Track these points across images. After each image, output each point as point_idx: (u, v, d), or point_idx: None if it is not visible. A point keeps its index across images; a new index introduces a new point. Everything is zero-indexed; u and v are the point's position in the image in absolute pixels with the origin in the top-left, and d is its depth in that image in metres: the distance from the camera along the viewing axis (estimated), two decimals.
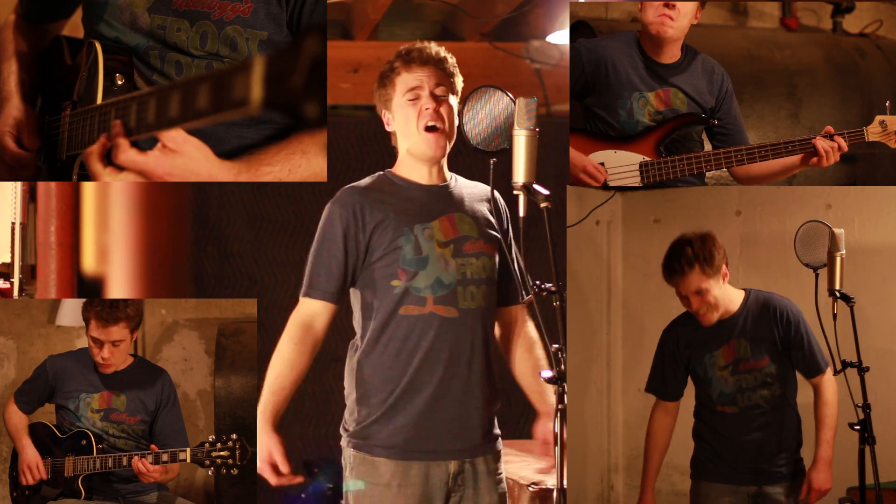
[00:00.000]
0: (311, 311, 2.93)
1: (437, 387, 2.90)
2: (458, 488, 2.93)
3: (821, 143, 3.63)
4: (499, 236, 3.01)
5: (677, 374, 3.81)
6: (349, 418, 2.98)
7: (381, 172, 3.02)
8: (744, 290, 3.75)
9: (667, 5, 3.69)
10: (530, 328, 3.07)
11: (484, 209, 3.01)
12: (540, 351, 3.05)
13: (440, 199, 2.97)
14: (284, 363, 2.90)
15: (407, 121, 2.92)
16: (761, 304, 3.71)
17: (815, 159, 3.66)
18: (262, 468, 2.89)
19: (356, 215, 2.91)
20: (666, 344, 3.84)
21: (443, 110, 2.92)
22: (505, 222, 3.06)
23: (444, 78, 2.94)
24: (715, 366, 3.72)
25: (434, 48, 2.96)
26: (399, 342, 2.91)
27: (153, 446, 3.86)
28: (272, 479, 2.89)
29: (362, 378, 2.95)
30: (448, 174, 3.02)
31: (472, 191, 3.04)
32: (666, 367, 3.82)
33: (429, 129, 2.91)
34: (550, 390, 2.96)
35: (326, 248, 2.93)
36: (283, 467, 2.88)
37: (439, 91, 2.92)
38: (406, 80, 2.92)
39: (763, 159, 3.70)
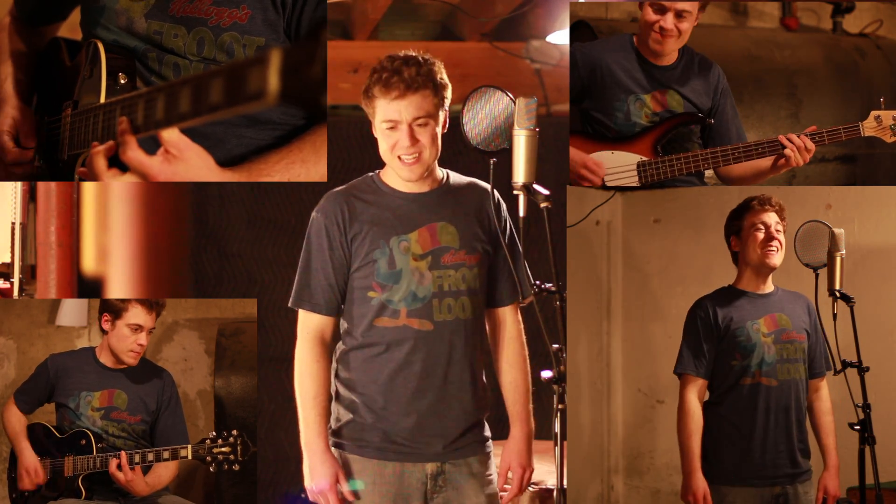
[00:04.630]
0: (316, 325, 2.94)
1: (412, 397, 2.91)
2: (439, 490, 2.93)
3: (787, 142, 3.67)
4: (486, 245, 2.97)
5: (712, 347, 3.72)
6: (331, 417, 2.99)
7: (371, 174, 3.00)
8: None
9: (663, 28, 3.69)
10: (519, 335, 3.05)
11: (473, 215, 2.98)
12: (525, 367, 3.02)
13: (423, 208, 2.94)
14: (316, 382, 2.92)
15: (384, 145, 2.88)
16: (790, 294, 3.79)
17: (782, 160, 3.69)
18: (322, 492, 2.88)
19: (339, 225, 2.91)
20: (698, 319, 3.76)
21: (423, 137, 2.84)
22: (503, 221, 3.03)
23: (427, 101, 2.83)
24: (759, 332, 3.70)
25: (414, 68, 2.81)
26: (375, 352, 2.92)
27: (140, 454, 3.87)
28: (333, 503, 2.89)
29: (340, 378, 2.97)
30: (440, 173, 2.99)
31: (462, 193, 2.99)
32: (703, 341, 3.73)
33: (403, 164, 2.86)
34: (528, 414, 3.01)
35: (314, 258, 2.94)
36: (348, 493, 2.89)
37: (419, 122, 2.84)
38: (384, 109, 2.82)
39: (760, 156, 3.73)
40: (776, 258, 3.72)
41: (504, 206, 3.04)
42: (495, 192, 2.99)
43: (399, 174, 2.90)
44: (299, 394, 2.92)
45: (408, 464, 2.91)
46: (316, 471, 2.87)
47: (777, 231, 3.71)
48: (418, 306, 2.89)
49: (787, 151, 3.67)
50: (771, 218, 3.72)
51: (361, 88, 2.91)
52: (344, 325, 2.98)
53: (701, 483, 3.64)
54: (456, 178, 3.02)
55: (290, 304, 2.97)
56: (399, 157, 2.86)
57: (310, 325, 2.94)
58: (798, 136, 3.68)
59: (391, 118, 2.83)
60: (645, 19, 3.75)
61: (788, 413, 3.68)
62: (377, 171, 3.00)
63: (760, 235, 3.71)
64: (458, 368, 2.93)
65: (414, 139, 2.84)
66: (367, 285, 2.90)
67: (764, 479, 3.65)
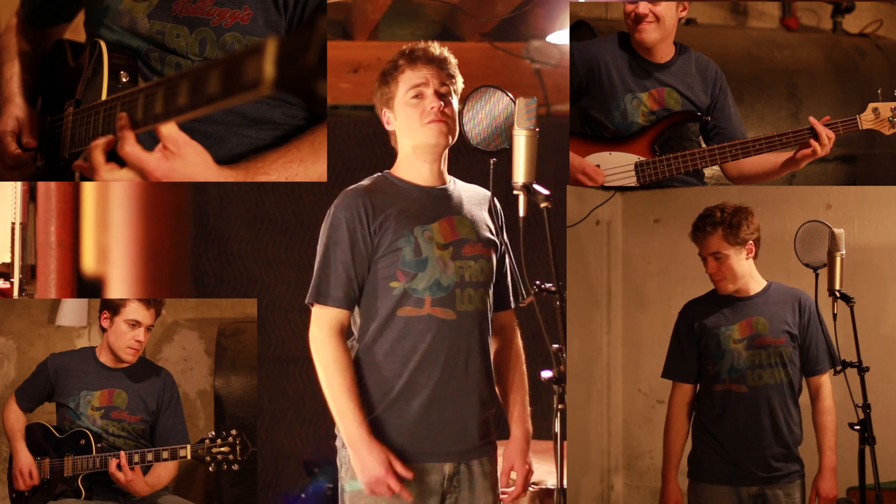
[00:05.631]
0: (335, 318, 2.90)
1: (434, 389, 2.90)
2: (453, 490, 2.93)
3: (821, 128, 3.65)
4: (496, 240, 3.01)
5: (693, 352, 3.75)
6: None
7: (380, 174, 3.01)
8: (766, 281, 3.76)
9: (638, 15, 3.69)
10: (517, 337, 3.07)
11: (483, 213, 3.01)
12: (524, 368, 3.05)
13: (440, 202, 2.96)
14: (345, 372, 2.85)
15: (410, 118, 2.91)
16: (783, 293, 3.74)
17: (809, 150, 3.64)
18: (380, 480, 2.81)
19: (360, 218, 2.89)
20: (681, 323, 3.80)
21: (447, 110, 2.91)
22: (502, 227, 3.06)
23: (447, 77, 2.93)
24: (730, 338, 3.69)
25: (438, 48, 2.95)
26: (396, 343, 2.90)
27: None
28: (394, 486, 2.81)
29: (358, 379, 2.93)
30: (448, 177, 3.01)
31: (470, 194, 3.03)
32: (683, 347, 3.77)
33: (432, 122, 2.90)
34: (527, 415, 3.02)
35: (333, 252, 2.90)
36: (405, 472, 2.83)
37: (443, 90, 2.91)
38: (410, 77, 2.91)
39: (757, 153, 3.70)
40: (730, 286, 3.71)
41: (502, 212, 3.07)
42: (496, 199, 3.03)
43: (427, 139, 2.91)
44: (329, 388, 2.85)
45: (428, 464, 2.91)
46: (367, 461, 2.82)
47: (719, 259, 3.68)
48: (442, 295, 2.89)
49: (821, 134, 3.62)
50: (710, 246, 3.68)
51: (373, 83, 2.97)
52: (358, 320, 2.95)
53: (675, 492, 3.73)
54: (462, 183, 3.06)
55: (307, 301, 2.92)
56: (426, 123, 2.89)
57: (329, 318, 2.89)
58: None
59: (418, 83, 2.90)
60: (626, 13, 3.75)
61: (759, 418, 3.65)
62: (386, 171, 3.01)
63: (706, 268, 3.73)
64: (479, 359, 2.94)
65: (441, 104, 2.89)
66: (390, 275, 2.89)
67: (738, 480, 3.66)
